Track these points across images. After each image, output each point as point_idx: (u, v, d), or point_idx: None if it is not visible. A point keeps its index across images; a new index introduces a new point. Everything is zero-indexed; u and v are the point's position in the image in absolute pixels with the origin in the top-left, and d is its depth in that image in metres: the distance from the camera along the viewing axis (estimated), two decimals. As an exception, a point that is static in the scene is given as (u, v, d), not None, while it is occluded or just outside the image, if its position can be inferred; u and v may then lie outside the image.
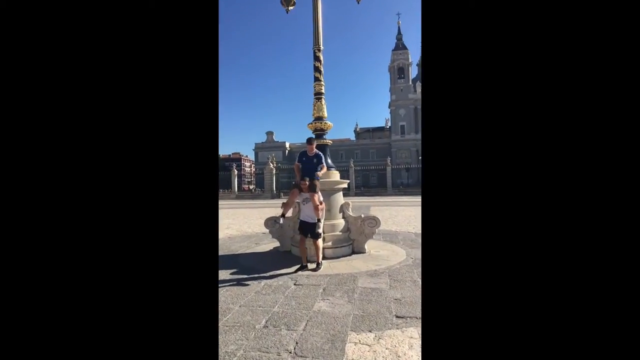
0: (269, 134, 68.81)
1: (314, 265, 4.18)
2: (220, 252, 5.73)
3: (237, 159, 77.00)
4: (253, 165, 71.63)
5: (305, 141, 4.83)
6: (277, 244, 5.61)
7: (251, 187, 54.20)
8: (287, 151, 64.53)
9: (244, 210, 16.95)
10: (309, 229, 4.25)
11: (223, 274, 4.12)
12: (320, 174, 4.50)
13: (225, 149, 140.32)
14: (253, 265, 4.58)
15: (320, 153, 4.71)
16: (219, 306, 2.99)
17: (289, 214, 4.93)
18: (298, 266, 4.21)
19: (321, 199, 4.32)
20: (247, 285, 3.66)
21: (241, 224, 10.41)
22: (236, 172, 35.90)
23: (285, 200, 4.57)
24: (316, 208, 4.16)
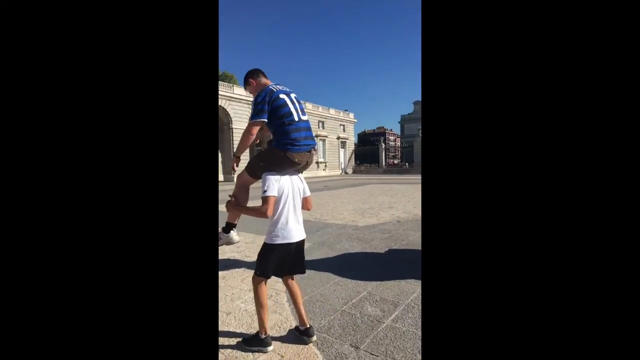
0: (417, 103, 64.10)
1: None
2: (396, 245, 4.32)
3: (381, 133, 75.93)
4: (398, 139, 69.31)
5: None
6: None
7: (395, 161, 52.62)
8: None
9: (398, 185, 15.43)
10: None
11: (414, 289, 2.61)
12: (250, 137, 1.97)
13: (369, 125, 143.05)
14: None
15: (260, 92, 1.99)
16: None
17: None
18: None
19: (267, 191, 1.85)
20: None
21: (404, 202, 8.91)
22: (383, 145, 34.60)
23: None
24: (237, 206, 2.05)
